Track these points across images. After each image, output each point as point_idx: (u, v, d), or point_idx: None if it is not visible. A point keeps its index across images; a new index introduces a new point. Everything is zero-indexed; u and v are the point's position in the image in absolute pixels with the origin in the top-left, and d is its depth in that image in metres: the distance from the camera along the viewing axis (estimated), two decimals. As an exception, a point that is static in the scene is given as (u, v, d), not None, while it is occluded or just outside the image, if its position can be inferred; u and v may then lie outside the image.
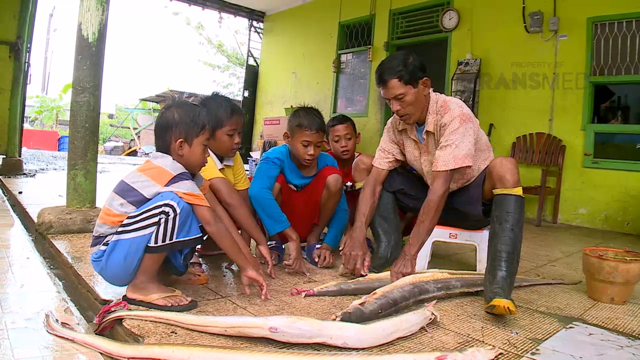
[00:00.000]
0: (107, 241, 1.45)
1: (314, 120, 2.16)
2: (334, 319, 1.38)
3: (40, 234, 2.53)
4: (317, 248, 2.27)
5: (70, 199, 2.62)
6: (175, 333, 1.31)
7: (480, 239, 2.17)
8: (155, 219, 1.40)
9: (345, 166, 2.61)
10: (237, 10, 9.05)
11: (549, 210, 4.78)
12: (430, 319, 1.48)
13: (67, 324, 1.40)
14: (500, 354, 1.30)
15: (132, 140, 16.90)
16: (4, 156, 5.60)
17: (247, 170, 2.46)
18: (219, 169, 1.96)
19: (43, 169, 6.62)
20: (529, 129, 4.91)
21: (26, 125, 14.46)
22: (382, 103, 6.67)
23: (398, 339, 1.36)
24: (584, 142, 4.56)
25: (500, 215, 1.78)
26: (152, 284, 1.49)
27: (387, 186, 2.16)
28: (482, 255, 2.08)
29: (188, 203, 1.45)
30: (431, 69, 1.96)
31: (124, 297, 1.49)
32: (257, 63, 9.43)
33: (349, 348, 1.26)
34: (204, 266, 2.02)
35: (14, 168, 5.47)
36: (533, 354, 1.33)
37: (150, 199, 1.45)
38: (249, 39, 9.52)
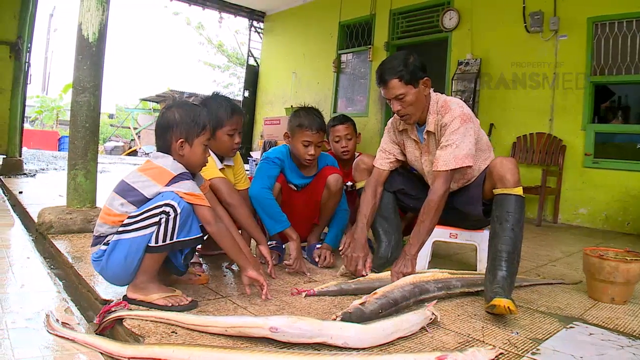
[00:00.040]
0: (107, 241, 1.46)
1: (314, 120, 2.16)
2: (335, 319, 1.38)
3: (41, 233, 2.53)
4: (318, 248, 2.27)
5: (70, 199, 2.62)
6: (176, 333, 1.31)
7: (480, 239, 2.17)
8: (156, 219, 1.40)
9: (345, 166, 2.61)
10: (238, 10, 9.05)
11: (550, 210, 4.77)
12: (431, 318, 1.48)
13: (68, 324, 1.40)
14: (501, 353, 1.30)
15: (132, 140, 16.91)
16: (5, 156, 5.60)
17: (248, 170, 2.46)
18: (220, 169, 1.96)
19: (43, 169, 6.62)
20: (529, 128, 4.91)
21: (26, 125, 14.48)
22: (382, 103, 6.66)
23: (398, 338, 1.36)
24: (584, 142, 4.56)
25: (501, 215, 1.78)
26: (153, 283, 1.49)
27: (387, 186, 2.15)
28: (483, 255, 2.08)
29: (189, 203, 1.45)
30: (431, 69, 1.96)
31: (125, 297, 1.49)
32: (257, 63, 9.43)
33: (350, 348, 1.27)
34: (204, 266, 2.02)
35: (15, 168, 5.48)
36: (533, 353, 1.33)
37: (151, 199, 1.45)
38: (249, 39, 9.52)
